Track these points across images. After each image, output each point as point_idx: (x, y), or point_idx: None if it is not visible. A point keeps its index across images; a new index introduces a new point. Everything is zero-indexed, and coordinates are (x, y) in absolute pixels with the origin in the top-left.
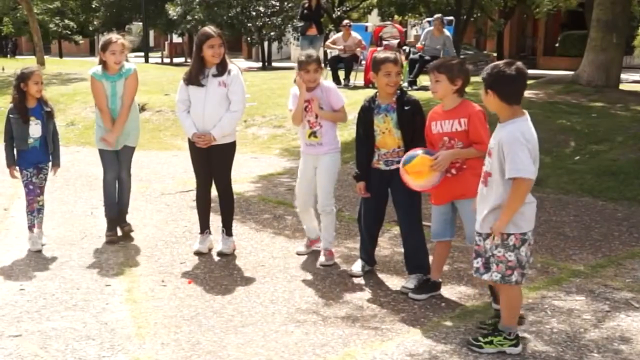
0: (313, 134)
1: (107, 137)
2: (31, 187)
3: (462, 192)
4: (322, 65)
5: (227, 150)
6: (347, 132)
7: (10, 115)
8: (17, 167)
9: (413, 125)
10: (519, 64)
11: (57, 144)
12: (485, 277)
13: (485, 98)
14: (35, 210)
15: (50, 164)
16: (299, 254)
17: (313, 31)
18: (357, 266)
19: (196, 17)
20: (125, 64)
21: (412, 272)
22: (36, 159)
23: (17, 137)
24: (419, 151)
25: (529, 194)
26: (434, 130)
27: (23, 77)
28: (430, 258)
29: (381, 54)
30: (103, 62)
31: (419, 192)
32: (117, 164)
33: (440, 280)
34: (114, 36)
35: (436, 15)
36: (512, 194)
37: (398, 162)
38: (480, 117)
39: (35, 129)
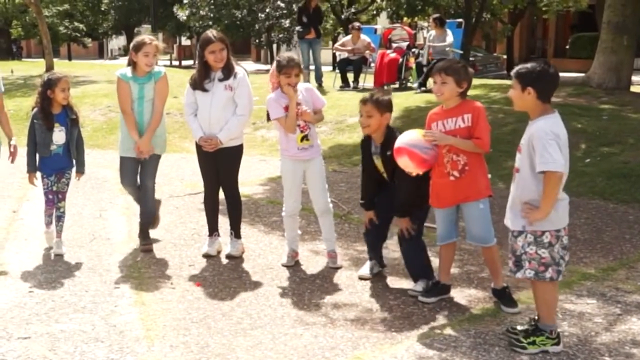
0: (305, 137)
1: (142, 148)
2: (50, 196)
3: (466, 194)
4: (302, 70)
5: (234, 153)
6: (357, 135)
7: (35, 121)
8: (38, 174)
9: (395, 172)
10: (552, 64)
11: (82, 150)
12: (519, 275)
13: (520, 96)
14: (53, 215)
15: (73, 169)
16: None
17: (312, 35)
18: (365, 269)
19: (202, 13)
20: (155, 67)
21: (415, 279)
22: (58, 166)
23: (39, 143)
24: None
25: (562, 191)
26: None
27: (50, 84)
28: (436, 261)
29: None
30: (133, 63)
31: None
32: (135, 175)
33: (450, 283)
34: (147, 37)
35: (432, 17)
36: (545, 188)
37: None
38: (482, 113)
39: (59, 136)
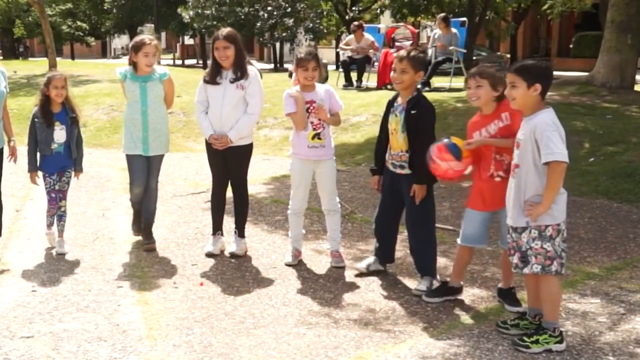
0: (317, 135)
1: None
2: (53, 195)
3: None
4: (321, 65)
5: (244, 152)
6: (360, 134)
7: (35, 119)
8: (40, 173)
9: (416, 132)
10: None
11: (81, 149)
12: (526, 270)
13: (525, 93)
14: (55, 215)
15: (73, 169)
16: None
17: None
18: (362, 263)
19: (206, 12)
20: (156, 67)
21: (421, 275)
22: (59, 164)
23: (41, 142)
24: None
25: (560, 186)
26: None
27: (47, 82)
28: (442, 260)
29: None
30: (133, 64)
31: (431, 197)
32: (145, 174)
33: (461, 284)
34: (147, 37)
35: (439, 16)
36: (549, 178)
37: (402, 167)
38: None
39: (59, 134)
